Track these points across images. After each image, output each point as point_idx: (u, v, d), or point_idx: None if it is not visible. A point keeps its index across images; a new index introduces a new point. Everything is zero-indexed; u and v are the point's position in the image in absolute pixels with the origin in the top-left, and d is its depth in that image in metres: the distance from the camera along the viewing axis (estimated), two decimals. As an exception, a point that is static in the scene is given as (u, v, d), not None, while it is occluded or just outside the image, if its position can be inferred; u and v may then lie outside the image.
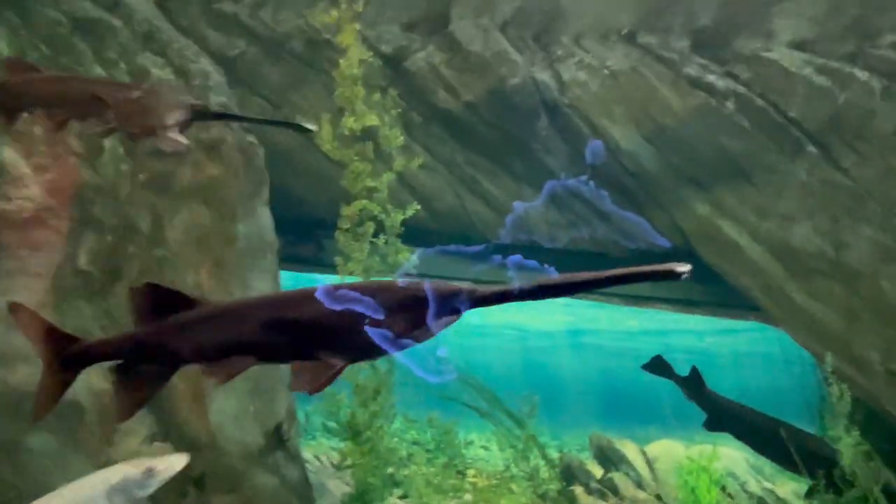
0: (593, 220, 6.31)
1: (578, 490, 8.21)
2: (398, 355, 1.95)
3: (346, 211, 5.83)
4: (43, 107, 3.75)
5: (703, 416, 6.58)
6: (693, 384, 6.59)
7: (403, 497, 7.30)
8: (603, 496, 8.27)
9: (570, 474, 8.70)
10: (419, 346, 1.95)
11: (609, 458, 9.47)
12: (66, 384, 2.38)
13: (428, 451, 8.47)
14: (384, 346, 1.93)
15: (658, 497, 8.44)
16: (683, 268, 1.63)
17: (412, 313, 1.93)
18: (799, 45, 6.28)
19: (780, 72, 6.18)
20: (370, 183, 5.85)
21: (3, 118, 3.78)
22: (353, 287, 2.01)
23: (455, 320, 1.95)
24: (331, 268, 5.95)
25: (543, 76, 6.59)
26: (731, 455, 9.24)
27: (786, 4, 6.13)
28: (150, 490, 3.27)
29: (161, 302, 2.26)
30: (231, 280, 5.25)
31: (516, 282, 1.82)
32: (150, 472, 3.25)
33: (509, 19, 6.53)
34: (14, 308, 2.38)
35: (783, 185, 6.34)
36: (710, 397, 6.57)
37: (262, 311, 2.17)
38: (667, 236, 6.85)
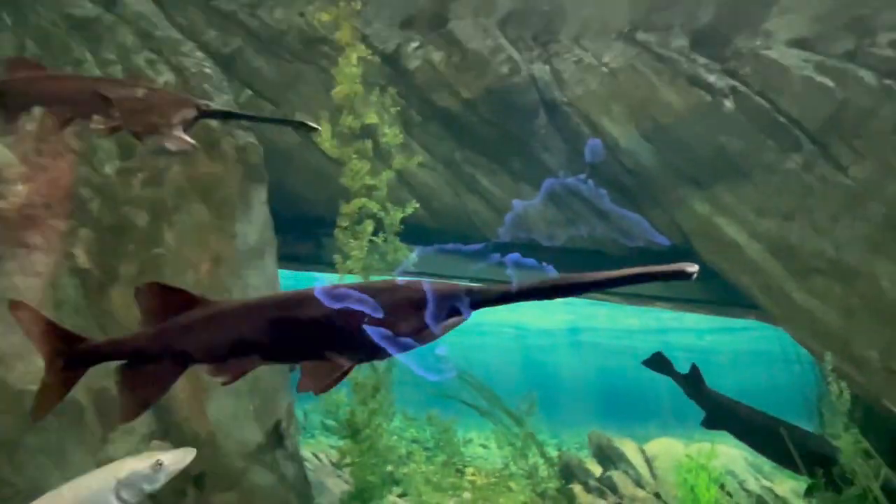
0: (592, 218, 6.31)
1: (577, 488, 8.21)
2: (401, 354, 1.95)
3: (345, 209, 5.82)
4: (47, 105, 3.74)
5: (702, 414, 6.58)
6: (693, 382, 6.59)
7: (402, 495, 7.30)
8: (602, 494, 8.28)
9: (568, 472, 8.70)
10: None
11: (608, 457, 9.47)
12: (70, 384, 2.33)
13: (427, 449, 8.46)
14: (391, 346, 1.93)
15: (657, 495, 8.44)
16: (693, 268, 1.63)
17: (420, 314, 1.92)
18: (798, 44, 6.27)
19: (779, 70, 6.18)
20: (369, 181, 5.85)
21: (6, 117, 3.76)
22: (360, 287, 2.00)
23: (463, 321, 1.94)
24: (330, 266, 5.94)
25: (542, 74, 6.59)
26: (730, 453, 9.25)
27: (785, 3, 6.13)
28: (159, 484, 3.25)
29: (168, 301, 2.25)
30: (230, 278, 5.25)
31: (526, 281, 1.81)
32: (158, 466, 3.23)
33: (508, 17, 6.53)
34: (15, 306, 2.32)
35: (782, 184, 6.34)
36: (710, 395, 6.56)
37: (271, 311, 2.16)
38: (666, 235, 6.83)
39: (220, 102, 5.63)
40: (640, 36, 6.51)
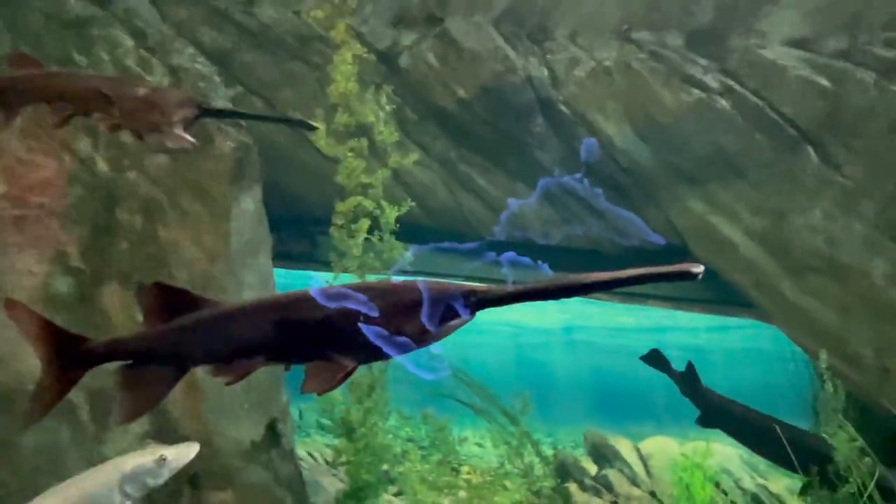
0: (587, 216, 6.31)
1: (573, 487, 8.23)
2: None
3: (341, 207, 5.80)
4: (46, 102, 3.71)
5: (697, 412, 6.59)
6: (689, 380, 6.60)
7: (398, 494, 7.30)
8: (597, 493, 8.29)
9: (564, 471, 8.71)
10: None
11: (603, 455, 9.49)
12: (69, 386, 2.26)
13: (422, 448, 8.46)
14: (396, 348, 1.92)
15: (652, 494, 8.46)
16: (698, 268, 1.62)
17: (423, 315, 1.91)
18: (793, 43, 6.28)
19: (774, 69, 6.18)
20: (364, 179, 5.83)
21: (5, 113, 3.73)
22: (364, 288, 1.99)
23: (467, 321, 1.93)
24: (325, 264, 5.93)
25: (538, 72, 6.58)
26: (725, 451, 9.27)
27: (780, 1, 6.13)
28: (163, 479, 3.22)
29: (171, 302, 2.22)
30: (224, 277, 5.23)
31: (532, 282, 1.80)
32: (162, 461, 3.21)
33: (503, 15, 6.52)
34: (10, 305, 2.25)
35: (777, 182, 6.35)
36: (705, 394, 6.58)
37: (274, 312, 2.14)
38: (661, 233, 6.81)
39: (215, 100, 5.61)
40: (636, 34, 6.51)
